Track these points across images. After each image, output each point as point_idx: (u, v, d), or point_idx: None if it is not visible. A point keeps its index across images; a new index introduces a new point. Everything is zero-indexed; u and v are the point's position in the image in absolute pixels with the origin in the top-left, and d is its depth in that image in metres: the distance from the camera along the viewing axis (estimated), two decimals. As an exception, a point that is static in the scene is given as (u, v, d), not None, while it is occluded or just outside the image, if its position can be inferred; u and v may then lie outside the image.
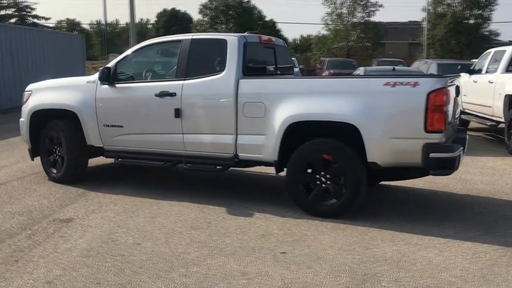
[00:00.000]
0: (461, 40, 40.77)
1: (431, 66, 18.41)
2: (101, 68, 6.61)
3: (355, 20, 41.51)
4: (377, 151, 5.29)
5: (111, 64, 6.66)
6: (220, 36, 6.30)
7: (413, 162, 5.31)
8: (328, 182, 5.55)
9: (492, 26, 42.78)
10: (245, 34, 6.33)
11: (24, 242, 4.74)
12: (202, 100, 6.12)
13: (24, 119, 7.22)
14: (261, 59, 6.59)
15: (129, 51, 6.71)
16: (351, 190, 5.44)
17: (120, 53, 6.92)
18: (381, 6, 41.14)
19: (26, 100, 7.26)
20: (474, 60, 26.80)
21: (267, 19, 46.65)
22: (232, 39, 6.08)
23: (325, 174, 5.55)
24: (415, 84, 5.15)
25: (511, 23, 73.52)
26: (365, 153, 5.34)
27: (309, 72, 32.31)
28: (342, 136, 5.53)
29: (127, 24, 69.38)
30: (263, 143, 5.80)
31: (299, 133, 5.66)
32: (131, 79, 6.69)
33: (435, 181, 7.00)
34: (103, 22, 53.45)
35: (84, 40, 25.03)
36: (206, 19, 45.48)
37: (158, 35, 52.76)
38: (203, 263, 4.27)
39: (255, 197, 6.38)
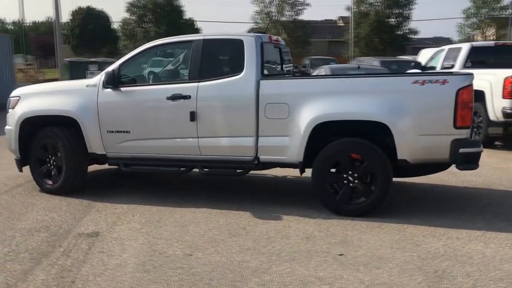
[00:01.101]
0: (383, 38, 42.49)
1: (374, 63, 19.10)
2: (105, 71, 6.23)
3: (283, 19, 42.05)
4: (407, 148, 5.38)
5: (114, 66, 6.30)
6: (235, 36, 6.14)
7: (441, 158, 5.45)
8: (356, 181, 5.56)
9: (412, 25, 44.98)
10: (258, 34, 6.19)
11: (64, 260, 4.38)
12: (220, 103, 5.93)
13: (11, 127, 6.65)
14: (272, 59, 6.50)
15: (133, 53, 6.38)
16: (380, 188, 5.50)
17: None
18: (308, 5, 41.99)
19: (13, 107, 6.70)
20: (401, 57, 27.92)
21: (187, 17, 45.89)
22: (249, 39, 5.95)
23: (353, 173, 5.56)
24: (444, 82, 5.29)
25: (428, 21, 77.34)
26: (395, 150, 5.40)
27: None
28: (367, 135, 5.57)
29: (47, 20, 66.17)
30: (286, 144, 5.72)
31: (322, 133, 5.63)
32: (137, 81, 6.37)
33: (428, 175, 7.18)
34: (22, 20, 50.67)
35: (11, 39, 23.50)
36: (133, 17, 44.25)
37: (73, 34, 50.67)
38: (271, 271, 4.15)
39: (272, 200, 6.30)
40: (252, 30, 42.50)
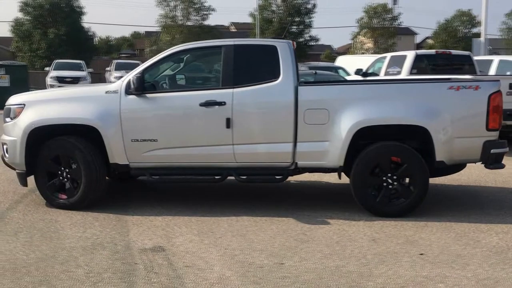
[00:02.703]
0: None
1: (302, 68, 19.69)
2: (130, 77, 5.89)
3: (189, 23, 41.78)
4: (444, 150, 5.71)
5: (136, 71, 5.98)
6: (268, 41, 6.13)
7: (473, 159, 5.87)
8: (395, 183, 5.79)
9: (313, 32, 46.85)
10: (288, 40, 6.21)
11: (158, 277, 4.12)
12: (257, 109, 5.88)
13: (14, 138, 6.03)
14: None
15: (158, 57, 6.09)
16: (419, 189, 5.77)
17: None
18: (213, 10, 42.06)
19: (16, 116, 6.09)
20: (307, 63, 28.94)
21: (88, 19, 44.10)
22: (283, 45, 5.97)
23: (392, 176, 5.78)
24: (477, 88, 5.71)
25: (328, 29, 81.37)
26: (431, 153, 5.71)
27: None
28: (401, 139, 5.83)
29: None
30: (326, 149, 5.82)
31: (360, 137, 5.80)
32: (164, 87, 6.10)
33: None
34: None
35: None
36: (28, 17, 41.35)
37: None
38: (376, 274, 4.23)
39: (301, 204, 6.35)
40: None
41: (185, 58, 6.35)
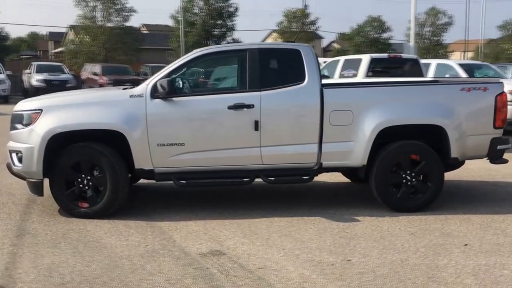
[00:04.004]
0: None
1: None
2: (156, 81, 5.77)
3: (110, 24, 40.52)
4: (458, 147, 6.15)
5: (161, 75, 5.88)
6: (291, 45, 6.27)
7: (481, 155, 6.37)
8: (413, 179, 6.14)
9: (236, 35, 47.22)
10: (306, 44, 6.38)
11: (243, 280, 4.14)
12: (284, 111, 6.00)
13: (32, 145, 5.68)
14: None
15: (182, 61, 6.02)
16: (436, 185, 6.16)
17: None
18: (135, 11, 41.06)
19: (31, 122, 5.75)
20: None
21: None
22: (306, 49, 6.14)
23: (411, 173, 6.12)
24: (485, 89, 6.20)
25: (252, 32, 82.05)
26: (446, 150, 6.11)
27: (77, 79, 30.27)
28: (420, 137, 6.20)
29: None
30: (350, 149, 6.05)
31: (379, 137, 6.09)
32: (190, 91, 6.03)
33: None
34: None
35: None
36: None
37: None
38: (442, 265, 4.48)
39: (320, 203, 6.55)
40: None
41: (209, 61, 6.31)
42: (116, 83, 26.40)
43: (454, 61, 16.03)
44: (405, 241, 5.10)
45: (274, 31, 52.47)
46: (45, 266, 4.38)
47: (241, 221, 5.77)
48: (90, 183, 5.82)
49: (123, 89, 6.36)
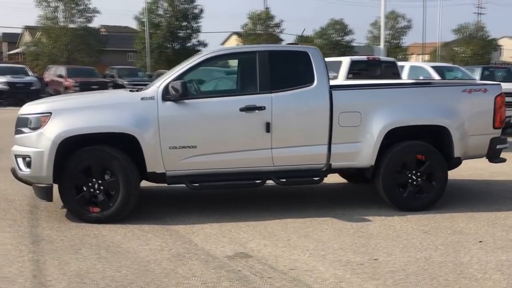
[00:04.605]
0: (176, 49, 43.53)
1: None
2: (167, 83, 5.72)
3: (73, 25, 39.65)
4: (461, 147, 6.34)
5: (171, 77, 5.84)
6: (299, 47, 6.34)
7: (481, 154, 6.59)
8: (419, 179, 6.29)
9: (201, 37, 47.07)
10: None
11: (280, 282, 4.16)
12: (295, 113, 6.06)
13: (41, 149, 5.53)
14: None
15: (192, 63, 5.98)
16: (440, 184, 6.34)
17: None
18: (98, 12, 40.28)
19: (40, 125, 5.60)
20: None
21: None
22: (314, 51, 6.22)
23: (416, 172, 6.28)
24: (485, 90, 6.42)
25: (215, 34, 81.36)
26: (449, 150, 6.30)
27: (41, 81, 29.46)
28: (424, 137, 6.36)
29: None
30: (358, 150, 6.16)
31: (385, 137, 6.22)
32: (201, 93, 6.01)
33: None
34: None
35: None
36: None
37: None
38: (466, 262, 4.63)
39: (327, 204, 6.64)
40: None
41: (219, 63, 6.30)
42: (83, 85, 25.92)
43: (427, 64, 16.47)
44: (421, 240, 5.23)
45: (235, 33, 52.23)
46: (73, 273, 4.29)
47: (255, 223, 5.78)
48: (101, 187, 5.71)
49: (129, 91, 6.28)
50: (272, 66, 6.05)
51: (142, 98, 5.78)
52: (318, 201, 6.87)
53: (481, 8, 67.54)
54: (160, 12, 44.04)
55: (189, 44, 44.82)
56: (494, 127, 6.46)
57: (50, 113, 5.64)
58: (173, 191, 7.24)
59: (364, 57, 14.13)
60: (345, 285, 4.10)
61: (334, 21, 56.40)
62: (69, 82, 27.18)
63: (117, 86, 27.60)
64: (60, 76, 28.49)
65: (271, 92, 5.95)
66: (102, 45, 40.80)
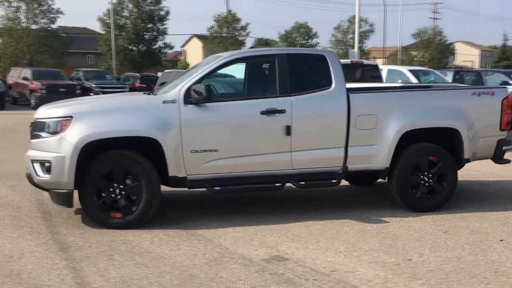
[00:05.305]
0: (141, 51, 43.01)
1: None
2: (189, 86, 5.69)
3: (36, 26, 38.61)
4: (471, 149, 6.54)
5: (193, 80, 5.80)
6: (316, 51, 6.41)
7: (488, 155, 6.81)
8: (430, 180, 6.46)
9: (167, 39, 46.64)
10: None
11: (327, 284, 4.20)
12: (314, 116, 6.12)
13: (63, 154, 5.39)
14: None
15: (212, 66, 5.95)
16: (451, 185, 6.52)
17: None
18: (61, 13, 39.30)
19: (61, 130, 5.46)
20: (169, 71, 28.93)
21: None
22: (331, 55, 6.32)
23: (428, 174, 6.44)
24: (493, 93, 6.65)
25: (181, 36, 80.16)
26: (461, 151, 6.49)
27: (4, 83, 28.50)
28: (435, 139, 6.53)
29: None
30: (374, 153, 6.27)
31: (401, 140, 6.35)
32: (222, 96, 5.99)
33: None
34: None
35: None
36: None
37: None
38: (496, 260, 4.79)
39: (342, 206, 6.73)
40: None
41: (239, 66, 6.29)
42: (49, 88, 25.23)
43: (405, 67, 16.86)
44: (444, 239, 5.36)
45: (195, 35, 51.62)
46: (116, 279, 4.21)
47: (277, 226, 5.80)
48: (123, 192, 5.61)
49: (144, 93, 6.19)
50: (291, 69, 6.09)
51: (164, 102, 5.72)
52: (331, 203, 6.95)
53: (436, 13, 69.66)
54: (126, 13, 43.41)
55: (155, 46, 44.37)
56: (501, 129, 6.69)
57: (71, 116, 5.51)
58: (184, 195, 7.18)
59: (348, 61, 14.36)
60: (391, 285, 4.17)
61: (299, 25, 57.01)
62: (35, 84, 26.27)
63: (84, 89, 27.06)
64: (25, 78, 27.58)
65: (290, 95, 5.99)
66: (66, 46, 39.85)
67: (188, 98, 5.71)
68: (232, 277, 4.29)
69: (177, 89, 5.81)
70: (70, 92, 25.77)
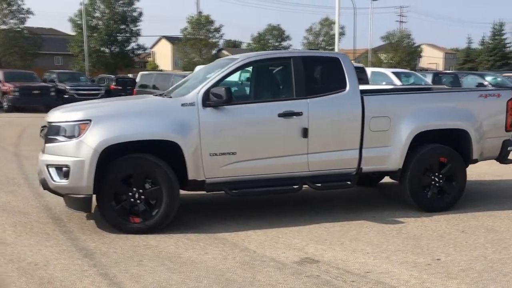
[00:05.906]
0: (114, 52, 42.45)
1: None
2: (207, 89, 5.64)
3: (5, 27, 37.69)
4: (478, 149, 6.68)
5: (211, 82, 5.75)
6: (330, 54, 6.43)
7: (493, 156, 6.95)
8: (441, 181, 6.56)
9: (141, 40, 46.11)
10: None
11: (366, 285, 4.21)
12: (330, 118, 6.14)
13: (82, 158, 5.27)
14: None
15: (229, 68, 5.90)
16: (461, 185, 6.64)
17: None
18: (32, 13, 38.47)
19: (79, 133, 5.34)
20: (148, 72, 28.77)
21: None
22: (344, 57, 6.35)
23: (439, 174, 6.54)
24: (499, 95, 6.80)
25: (149, 37, 79.60)
26: (470, 152, 6.62)
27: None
28: (444, 140, 6.64)
29: None
30: (387, 154, 6.34)
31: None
32: (239, 98, 5.96)
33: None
34: None
35: None
36: None
37: None
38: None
39: (354, 207, 6.77)
40: None
41: (255, 69, 6.26)
42: (23, 90, 24.66)
43: (388, 70, 17.12)
44: (465, 239, 5.46)
45: (164, 37, 51.44)
46: (154, 285, 4.14)
47: (297, 228, 5.80)
48: (142, 196, 5.52)
49: (156, 95, 6.10)
50: (307, 71, 6.10)
51: (182, 104, 5.65)
52: (342, 204, 6.99)
53: (402, 16, 71.00)
54: (97, 14, 42.77)
55: (128, 48, 43.84)
56: (506, 130, 6.84)
57: (90, 120, 5.38)
58: (192, 197, 7.09)
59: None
60: (429, 285, 4.21)
61: (271, 27, 57.20)
62: (8, 87, 25.57)
63: (59, 91, 26.49)
64: (-3, 80, 26.89)
65: (307, 98, 5.99)
66: (36, 48, 38.99)
67: (207, 100, 5.65)
68: (269, 281, 4.26)
69: (195, 91, 5.74)
70: (44, 95, 25.32)
